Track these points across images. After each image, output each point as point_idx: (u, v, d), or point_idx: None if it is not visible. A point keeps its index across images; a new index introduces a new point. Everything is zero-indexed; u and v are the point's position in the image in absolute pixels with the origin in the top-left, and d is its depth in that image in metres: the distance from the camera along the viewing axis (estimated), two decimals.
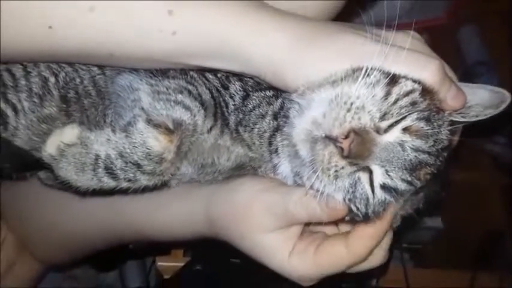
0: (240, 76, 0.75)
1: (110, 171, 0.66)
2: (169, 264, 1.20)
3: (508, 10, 1.50)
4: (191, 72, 0.75)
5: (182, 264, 1.17)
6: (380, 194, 0.66)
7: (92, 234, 0.91)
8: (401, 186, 0.65)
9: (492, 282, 1.28)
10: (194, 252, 1.19)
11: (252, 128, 0.75)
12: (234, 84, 0.76)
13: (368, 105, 0.64)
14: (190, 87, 0.73)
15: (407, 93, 0.64)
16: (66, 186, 0.68)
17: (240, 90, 0.76)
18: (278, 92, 0.74)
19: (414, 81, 0.65)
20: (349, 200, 0.66)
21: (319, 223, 0.72)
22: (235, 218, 0.75)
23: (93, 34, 0.63)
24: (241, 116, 0.75)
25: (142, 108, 0.69)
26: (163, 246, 1.22)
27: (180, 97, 0.71)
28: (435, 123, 0.66)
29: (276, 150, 0.75)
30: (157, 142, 0.66)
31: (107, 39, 0.63)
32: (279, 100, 0.75)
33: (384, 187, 0.65)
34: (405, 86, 0.65)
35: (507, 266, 1.31)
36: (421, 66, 0.65)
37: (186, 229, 0.82)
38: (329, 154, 0.63)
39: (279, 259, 0.72)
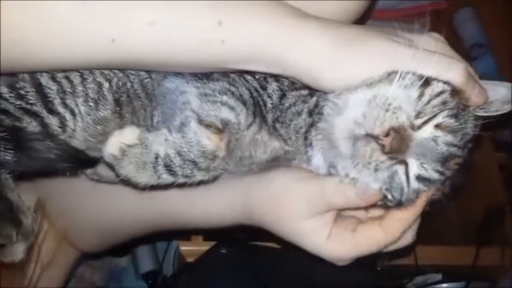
0: (276, 77, 0.80)
1: (169, 169, 0.72)
2: (191, 248, 1.26)
3: None
4: (232, 75, 0.79)
5: (205, 248, 1.21)
6: (414, 183, 0.72)
7: (133, 224, 0.97)
8: (435, 176, 0.72)
9: (494, 257, 1.32)
10: (219, 237, 1.24)
11: (289, 125, 0.81)
12: (271, 84, 0.81)
13: (404, 105, 0.69)
14: (232, 88, 0.78)
15: (438, 94, 0.70)
16: (125, 183, 0.74)
17: (277, 90, 0.81)
18: (312, 90, 0.79)
19: (444, 82, 0.71)
20: (386, 189, 0.72)
21: (353, 209, 0.79)
22: (272, 207, 0.81)
23: (153, 47, 0.67)
24: (278, 113, 0.81)
25: (193, 110, 0.75)
26: (184, 232, 1.27)
27: (225, 98, 0.76)
28: (462, 119, 0.72)
29: (311, 144, 0.81)
30: (209, 141, 0.72)
31: (165, 51, 0.67)
32: (314, 98, 0.80)
33: (418, 178, 0.72)
34: (437, 87, 0.71)
35: (508, 241, 1.37)
36: (449, 69, 0.70)
37: (225, 218, 0.87)
38: (371, 150, 0.68)
39: (316, 243, 0.78)
